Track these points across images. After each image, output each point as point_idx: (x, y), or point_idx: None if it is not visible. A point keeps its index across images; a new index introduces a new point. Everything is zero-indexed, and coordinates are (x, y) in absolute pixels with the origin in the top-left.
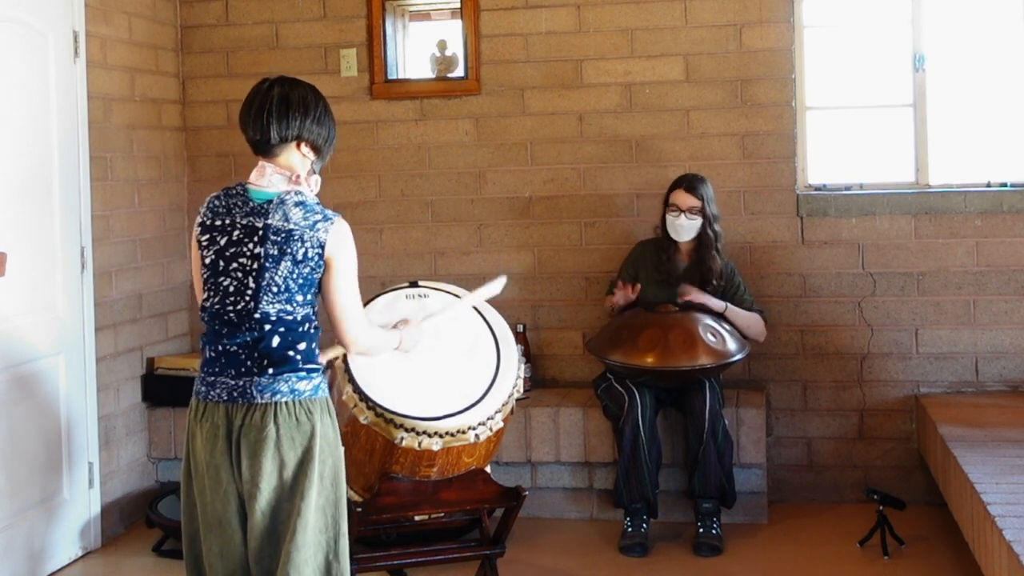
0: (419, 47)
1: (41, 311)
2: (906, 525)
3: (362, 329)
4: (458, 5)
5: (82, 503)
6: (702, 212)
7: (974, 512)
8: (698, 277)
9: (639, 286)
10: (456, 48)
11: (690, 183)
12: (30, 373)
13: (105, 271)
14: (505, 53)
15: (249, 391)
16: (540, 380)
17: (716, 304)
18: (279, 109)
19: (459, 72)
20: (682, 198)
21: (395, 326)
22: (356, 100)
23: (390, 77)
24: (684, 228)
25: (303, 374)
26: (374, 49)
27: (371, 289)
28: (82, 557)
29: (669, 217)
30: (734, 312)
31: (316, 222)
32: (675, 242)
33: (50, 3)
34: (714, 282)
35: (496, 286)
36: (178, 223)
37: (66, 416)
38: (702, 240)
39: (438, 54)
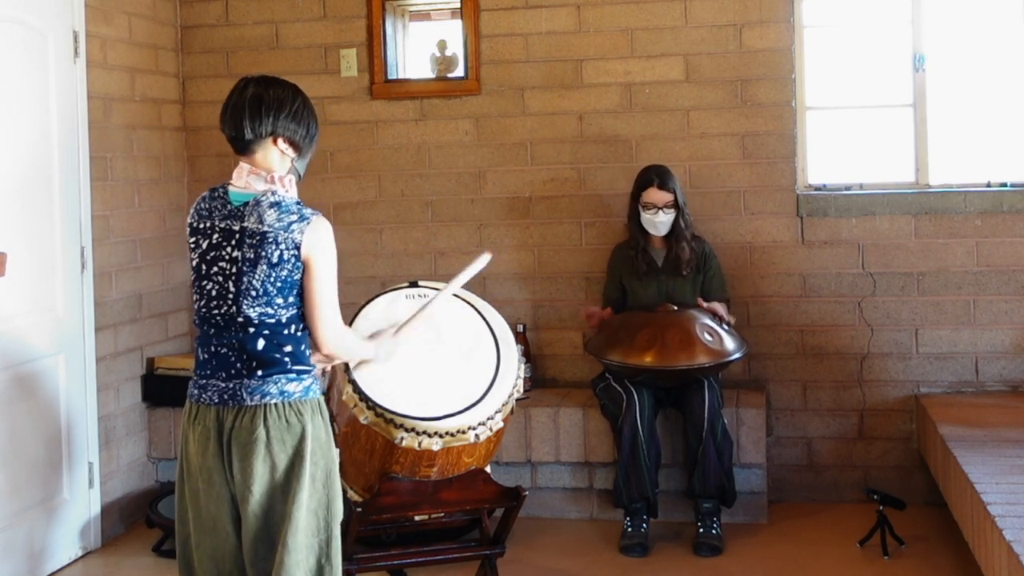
0: (419, 47)
1: (41, 311)
2: (906, 525)
3: (333, 332)
4: (458, 5)
5: (82, 503)
6: (675, 205)
7: (974, 512)
8: (673, 265)
9: (610, 310)
10: (456, 48)
11: (661, 180)
12: (30, 373)
13: (105, 271)
14: (505, 53)
15: (239, 393)
16: (540, 380)
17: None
18: (252, 106)
19: (459, 72)
20: (657, 196)
21: (370, 337)
22: (356, 100)
23: (390, 77)
24: (663, 224)
25: (292, 376)
26: (374, 49)
27: (371, 289)
28: (82, 557)
29: (646, 216)
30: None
31: (291, 223)
32: (648, 235)
33: (50, 3)
34: (684, 272)
35: (479, 264)
36: (178, 223)
37: (66, 416)
38: (674, 230)
39: (438, 54)
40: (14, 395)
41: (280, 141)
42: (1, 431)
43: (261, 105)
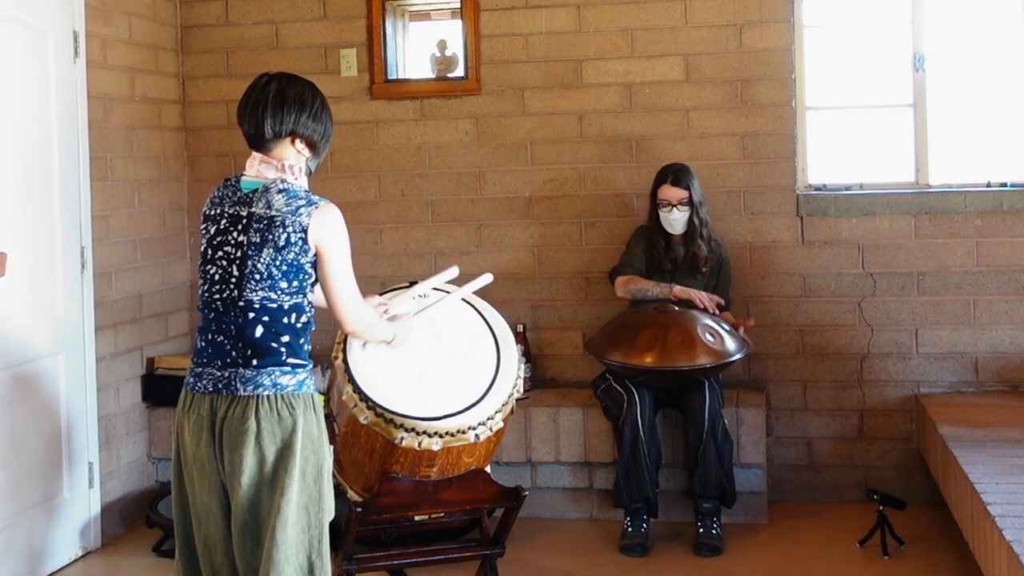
0: (419, 47)
1: (41, 311)
2: (906, 525)
3: (354, 309)
4: (458, 5)
5: (82, 503)
6: (690, 202)
7: (974, 512)
8: (690, 264)
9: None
10: (456, 48)
11: (676, 176)
12: (30, 373)
13: (105, 271)
14: (505, 53)
15: (233, 383)
16: (540, 380)
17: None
18: (274, 104)
19: (459, 72)
20: (671, 192)
21: (388, 319)
22: (356, 100)
23: (390, 77)
24: (678, 221)
25: (287, 368)
26: (374, 49)
27: (371, 289)
28: (82, 557)
29: (662, 213)
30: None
31: (299, 207)
32: (667, 233)
33: (50, 3)
34: (703, 269)
35: (482, 281)
36: (178, 223)
37: (66, 416)
38: (689, 229)
39: (438, 54)
40: (14, 395)
41: (298, 141)
42: (1, 431)
43: (284, 104)
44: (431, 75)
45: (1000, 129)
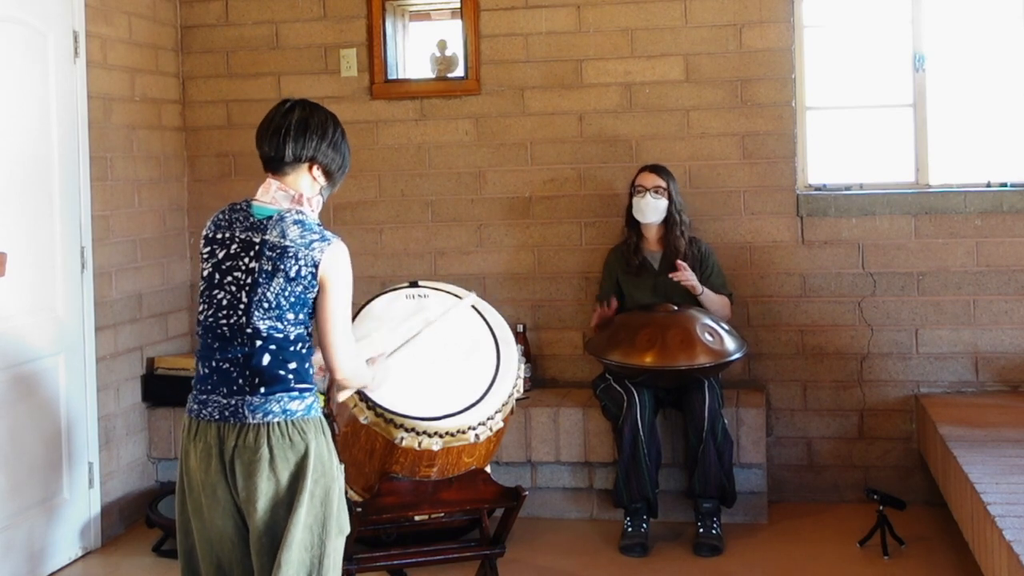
0: (419, 47)
1: (41, 311)
2: (906, 525)
3: (348, 356)
4: (458, 5)
5: (82, 503)
6: (668, 194)
7: (974, 512)
8: (671, 261)
9: (615, 302)
10: (456, 48)
11: (655, 166)
12: (30, 373)
13: (105, 271)
14: (505, 53)
15: (241, 411)
16: (540, 380)
17: (696, 287)
18: (297, 129)
19: (459, 72)
20: (648, 178)
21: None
22: (356, 100)
23: (390, 77)
24: (650, 207)
25: (295, 394)
26: (374, 49)
27: (371, 289)
28: (82, 557)
29: (635, 199)
30: (707, 297)
31: (312, 241)
32: (642, 235)
33: (50, 3)
34: (679, 261)
35: (468, 300)
36: (178, 223)
37: (66, 416)
38: (668, 223)
39: (438, 54)
40: (14, 395)
41: (315, 168)
42: (1, 431)
43: (307, 129)
44: (431, 75)
45: (1000, 129)
